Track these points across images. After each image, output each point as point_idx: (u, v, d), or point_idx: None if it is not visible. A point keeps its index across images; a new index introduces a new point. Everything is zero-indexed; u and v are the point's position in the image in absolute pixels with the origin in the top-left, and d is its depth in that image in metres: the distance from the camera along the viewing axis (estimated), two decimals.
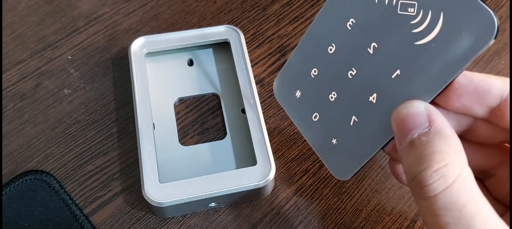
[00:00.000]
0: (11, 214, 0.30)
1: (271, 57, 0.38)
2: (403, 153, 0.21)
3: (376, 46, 0.23)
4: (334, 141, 0.26)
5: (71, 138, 0.33)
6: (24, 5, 0.39)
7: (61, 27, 0.38)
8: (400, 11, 0.22)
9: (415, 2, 0.21)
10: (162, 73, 0.36)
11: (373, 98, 0.23)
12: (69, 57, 0.36)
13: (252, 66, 0.37)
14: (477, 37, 0.19)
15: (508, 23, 0.41)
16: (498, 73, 0.38)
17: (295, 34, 0.39)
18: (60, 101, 0.34)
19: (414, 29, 0.22)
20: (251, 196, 0.31)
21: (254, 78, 0.35)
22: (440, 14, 0.20)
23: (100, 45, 0.37)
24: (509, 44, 0.40)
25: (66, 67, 0.36)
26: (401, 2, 0.22)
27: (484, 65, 0.38)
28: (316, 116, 0.27)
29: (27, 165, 0.32)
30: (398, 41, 0.22)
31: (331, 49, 0.26)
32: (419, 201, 0.20)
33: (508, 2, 0.42)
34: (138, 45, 0.35)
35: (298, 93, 0.28)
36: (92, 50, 0.37)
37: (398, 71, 0.22)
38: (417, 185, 0.20)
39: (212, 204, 0.31)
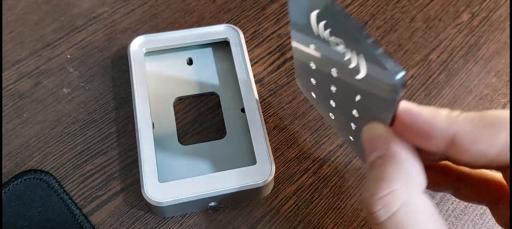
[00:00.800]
0: (10, 214, 0.30)
1: (270, 56, 0.38)
2: (366, 174, 0.20)
3: (336, 71, 0.23)
4: (351, 137, 0.26)
5: (70, 137, 0.33)
6: (23, 4, 0.39)
7: (60, 26, 0.38)
8: (333, 47, 0.22)
9: (342, 41, 0.21)
10: (161, 72, 0.36)
11: (355, 113, 0.23)
12: (68, 56, 0.36)
13: (251, 65, 0.37)
14: (387, 86, 0.19)
15: (508, 22, 0.41)
16: (498, 72, 0.38)
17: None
18: (59, 101, 0.34)
19: (349, 65, 0.21)
20: (251, 195, 0.31)
21: (254, 78, 0.35)
22: (362, 57, 0.20)
23: (99, 44, 0.37)
24: (509, 43, 0.39)
25: (65, 66, 0.36)
26: (330, 40, 0.22)
27: (484, 64, 0.38)
28: (331, 115, 0.27)
29: (26, 164, 0.32)
30: (346, 72, 0.22)
31: (313, 66, 0.26)
32: (372, 226, 0.20)
33: (508, 1, 0.42)
34: (137, 44, 0.35)
35: (313, 94, 0.28)
36: (91, 49, 0.37)
37: (358, 96, 0.22)
38: (367, 211, 0.19)
39: (212, 204, 0.31)
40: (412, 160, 0.19)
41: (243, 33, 0.37)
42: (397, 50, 0.38)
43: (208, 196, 0.29)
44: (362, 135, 0.21)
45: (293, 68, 0.37)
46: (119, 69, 0.36)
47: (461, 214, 0.32)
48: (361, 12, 0.40)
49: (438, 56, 0.38)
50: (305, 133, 0.34)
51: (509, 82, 0.37)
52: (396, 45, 0.39)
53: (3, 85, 0.34)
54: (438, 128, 0.18)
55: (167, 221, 0.31)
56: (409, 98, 0.36)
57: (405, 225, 0.18)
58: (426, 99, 0.36)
